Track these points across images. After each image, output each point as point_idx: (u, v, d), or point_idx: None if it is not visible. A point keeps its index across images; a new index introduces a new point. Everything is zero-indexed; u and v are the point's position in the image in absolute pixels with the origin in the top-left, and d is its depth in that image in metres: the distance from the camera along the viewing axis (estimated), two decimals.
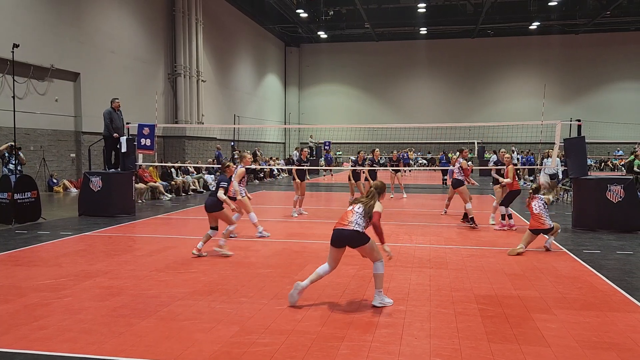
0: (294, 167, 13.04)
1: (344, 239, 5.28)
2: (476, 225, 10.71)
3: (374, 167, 14.76)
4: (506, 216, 10.58)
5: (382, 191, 5.57)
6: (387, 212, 13.36)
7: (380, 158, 37.99)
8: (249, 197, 9.54)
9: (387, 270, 6.92)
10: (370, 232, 5.33)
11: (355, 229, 5.25)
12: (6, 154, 11.47)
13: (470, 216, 10.85)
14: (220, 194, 7.77)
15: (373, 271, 5.39)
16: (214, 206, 7.84)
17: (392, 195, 17.11)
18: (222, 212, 7.89)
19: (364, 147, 36.05)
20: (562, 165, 15.08)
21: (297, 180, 12.58)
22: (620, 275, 6.73)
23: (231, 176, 8.46)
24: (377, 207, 5.40)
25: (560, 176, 15.28)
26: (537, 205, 8.45)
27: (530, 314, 5.12)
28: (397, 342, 4.37)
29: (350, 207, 5.46)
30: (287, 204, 13.88)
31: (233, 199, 8.88)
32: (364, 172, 14.31)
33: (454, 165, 12.28)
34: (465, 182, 11.28)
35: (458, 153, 13.15)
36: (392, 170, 17.95)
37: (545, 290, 6.00)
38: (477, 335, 4.56)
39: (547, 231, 8.28)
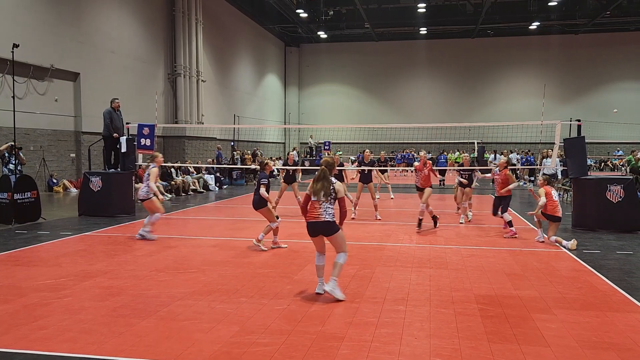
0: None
1: (317, 229, 5.64)
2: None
3: (380, 167, 14.64)
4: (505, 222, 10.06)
5: (332, 167, 5.78)
6: (387, 212, 13.39)
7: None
8: (159, 198, 9.33)
9: (387, 270, 6.93)
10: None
11: (326, 219, 5.58)
12: (6, 154, 11.47)
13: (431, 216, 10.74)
14: (263, 191, 8.07)
15: (335, 259, 5.68)
16: (259, 203, 8.20)
17: (378, 197, 16.96)
18: (265, 208, 8.21)
19: (364, 147, 36.09)
20: (561, 165, 15.07)
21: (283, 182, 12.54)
22: (620, 275, 6.73)
23: (272, 171, 8.76)
24: (340, 187, 5.65)
25: (560, 176, 15.27)
26: (555, 194, 9.02)
27: (530, 314, 5.12)
28: (397, 342, 4.38)
29: (315, 198, 5.62)
30: (287, 203, 13.88)
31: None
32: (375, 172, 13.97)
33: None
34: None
35: (457, 153, 13.36)
36: (379, 170, 17.66)
37: (545, 290, 6.00)
38: (477, 335, 4.56)
39: (559, 220, 8.90)
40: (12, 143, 11.51)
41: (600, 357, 4.11)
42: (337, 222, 5.66)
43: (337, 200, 5.65)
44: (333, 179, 5.68)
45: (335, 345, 4.30)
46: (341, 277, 6.50)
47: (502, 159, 11.13)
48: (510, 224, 9.84)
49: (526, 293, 5.87)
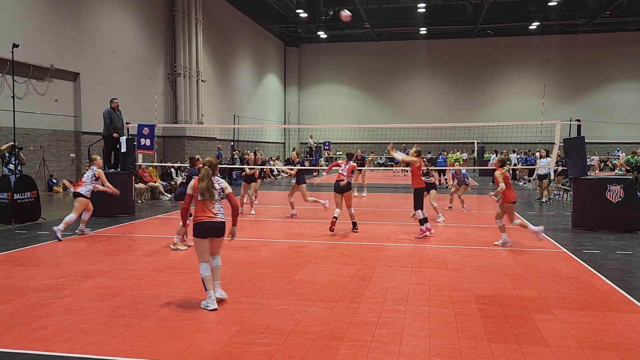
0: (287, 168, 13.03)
1: (210, 230, 5.41)
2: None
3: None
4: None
5: (215, 166, 5.62)
6: (386, 212, 13.39)
7: (380, 158, 38.17)
8: (88, 197, 9.63)
9: (387, 270, 6.93)
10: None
11: (223, 220, 5.50)
12: (6, 154, 11.47)
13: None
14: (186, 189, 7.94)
15: (214, 263, 5.49)
16: (180, 196, 8.22)
17: (355, 194, 16.98)
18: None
19: (363, 147, 36.17)
20: (561, 165, 15.05)
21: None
22: (620, 275, 6.73)
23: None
24: (226, 184, 5.61)
25: (552, 176, 15.32)
26: (509, 176, 8.98)
27: (530, 314, 5.12)
28: (397, 342, 4.38)
29: (201, 198, 5.43)
30: (287, 203, 13.85)
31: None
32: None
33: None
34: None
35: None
36: (358, 169, 17.58)
37: (544, 290, 6.00)
38: (477, 335, 4.56)
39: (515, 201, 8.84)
40: (13, 143, 11.51)
41: (600, 357, 4.11)
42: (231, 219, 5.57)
43: (227, 197, 5.57)
44: (218, 178, 5.59)
45: (335, 345, 4.30)
46: (340, 277, 6.53)
47: (495, 159, 11.18)
48: (422, 222, 9.55)
49: (526, 293, 5.87)
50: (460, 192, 13.89)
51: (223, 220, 5.50)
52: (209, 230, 5.40)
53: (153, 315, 5.03)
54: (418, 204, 9.51)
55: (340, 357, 4.07)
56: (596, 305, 5.42)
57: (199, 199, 5.46)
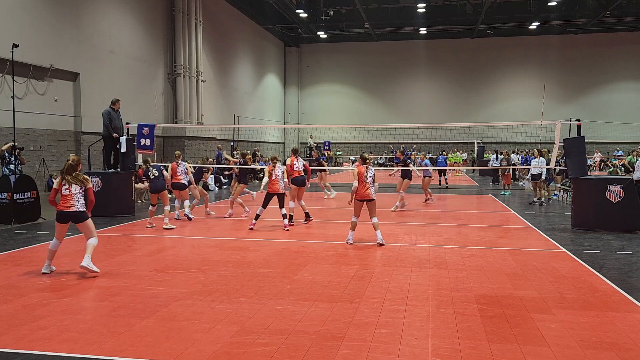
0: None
1: (69, 218, 6.59)
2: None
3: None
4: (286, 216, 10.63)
5: (78, 162, 6.81)
6: (387, 212, 13.38)
7: (380, 158, 38.18)
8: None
9: (387, 270, 6.94)
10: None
11: (80, 209, 6.60)
12: (6, 154, 11.47)
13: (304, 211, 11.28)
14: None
15: (88, 242, 6.63)
16: (163, 186, 10.75)
17: (326, 196, 16.96)
18: (165, 192, 10.83)
19: (363, 147, 36.18)
20: (558, 165, 15.04)
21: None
22: (620, 275, 6.73)
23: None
24: (88, 178, 6.81)
25: (544, 176, 15.36)
26: (369, 175, 8.76)
27: (530, 314, 5.12)
28: (397, 342, 4.38)
29: (66, 188, 6.59)
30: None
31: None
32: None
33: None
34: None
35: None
36: (320, 169, 17.44)
37: (544, 290, 6.00)
38: (477, 335, 4.56)
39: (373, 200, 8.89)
40: (13, 143, 11.51)
41: (600, 357, 4.11)
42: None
43: (86, 191, 6.67)
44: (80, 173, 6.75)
45: (335, 345, 4.30)
46: (340, 277, 6.52)
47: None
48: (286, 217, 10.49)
49: (526, 293, 5.87)
50: (424, 184, 15.28)
51: (79, 210, 6.67)
52: (64, 218, 6.67)
53: (153, 315, 5.03)
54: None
55: (340, 357, 4.07)
56: (596, 305, 5.42)
57: (64, 192, 6.67)
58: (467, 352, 4.18)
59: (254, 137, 33.37)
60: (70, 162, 6.72)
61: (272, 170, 10.43)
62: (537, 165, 15.22)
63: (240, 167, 12.71)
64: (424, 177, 15.47)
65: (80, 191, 6.65)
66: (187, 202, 11.56)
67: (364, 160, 9.17)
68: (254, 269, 7.00)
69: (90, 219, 6.73)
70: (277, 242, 9.05)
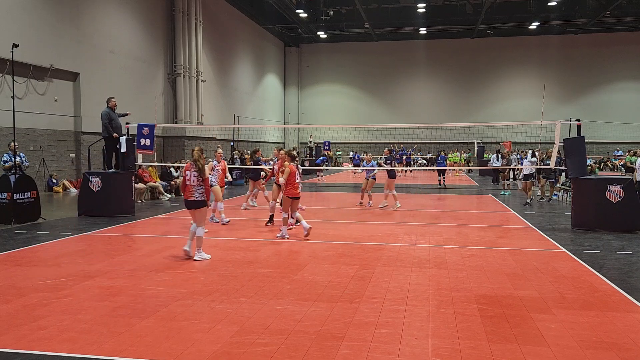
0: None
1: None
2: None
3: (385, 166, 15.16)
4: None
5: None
6: (386, 212, 13.39)
7: (381, 158, 38.15)
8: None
9: (387, 270, 6.94)
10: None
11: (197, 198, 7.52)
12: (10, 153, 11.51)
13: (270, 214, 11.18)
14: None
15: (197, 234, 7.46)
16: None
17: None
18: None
19: (363, 147, 36.16)
20: (560, 165, 15.05)
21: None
22: (620, 275, 6.73)
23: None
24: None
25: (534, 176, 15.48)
26: (298, 175, 9.23)
27: (530, 314, 5.12)
28: (397, 342, 4.38)
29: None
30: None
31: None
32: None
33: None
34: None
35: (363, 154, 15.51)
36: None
37: (544, 290, 6.00)
38: (477, 335, 4.56)
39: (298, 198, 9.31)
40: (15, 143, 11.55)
41: (600, 357, 4.11)
42: None
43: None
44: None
45: (335, 345, 4.30)
46: (340, 277, 6.54)
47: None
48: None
49: (526, 293, 5.87)
50: (367, 186, 14.51)
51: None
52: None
53: (152, 315, 5.03)
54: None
55: (340, 357, 4.07)
56: (596, 305, 5.42)
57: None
58: (467, 352, 4.18)
59: (253, 137, 33.37)
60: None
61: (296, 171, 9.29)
62: (529, 165, 15.37)
63: (265, 169, 13.61)
64: (367, 178, 14.47)
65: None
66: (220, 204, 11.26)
67: (292, 159, 9.23)
68: (254, 269, 7.00)
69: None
70: (277, 242, 9.05)
